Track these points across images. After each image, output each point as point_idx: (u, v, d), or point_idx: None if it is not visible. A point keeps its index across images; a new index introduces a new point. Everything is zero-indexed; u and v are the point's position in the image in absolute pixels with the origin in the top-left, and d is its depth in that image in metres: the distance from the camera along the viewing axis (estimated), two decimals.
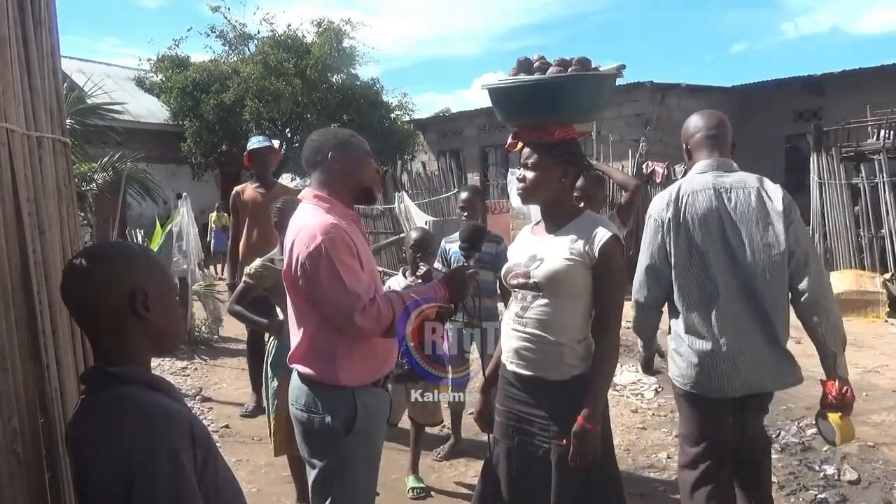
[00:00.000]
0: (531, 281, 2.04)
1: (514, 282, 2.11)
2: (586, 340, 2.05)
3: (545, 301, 2.02)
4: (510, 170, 9.90)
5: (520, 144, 2.17)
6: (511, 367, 2.11)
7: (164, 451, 1.08)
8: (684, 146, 2.44)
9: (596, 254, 1.98)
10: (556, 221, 2.11)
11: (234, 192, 4.89)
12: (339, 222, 1.91)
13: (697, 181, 2.29)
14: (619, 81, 2.23)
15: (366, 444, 2.00)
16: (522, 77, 2.08)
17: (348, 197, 2.05)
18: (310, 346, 1.98)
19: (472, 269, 2.09)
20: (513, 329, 2.10)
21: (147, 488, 1.05)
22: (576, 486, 1.98)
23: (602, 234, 1.99)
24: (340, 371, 1.94)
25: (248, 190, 4.79)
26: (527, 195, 2.12)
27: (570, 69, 2.04)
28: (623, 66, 2.11)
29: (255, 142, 4.83)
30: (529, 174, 2.08)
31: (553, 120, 2.07)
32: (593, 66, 2.08)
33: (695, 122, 2.41)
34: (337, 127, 2.21)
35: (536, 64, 2.08)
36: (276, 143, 4.97)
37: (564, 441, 1.96)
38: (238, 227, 4.79)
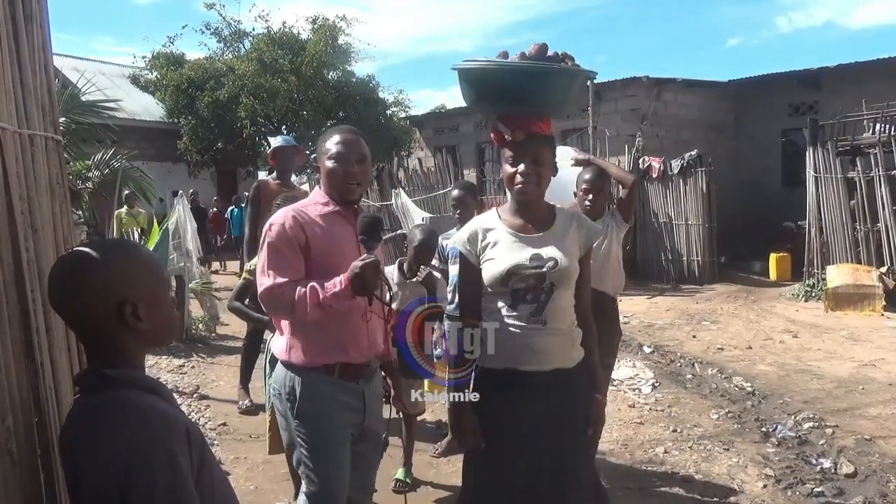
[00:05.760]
0: (547, 283, 1.98)
1: (522, 285, 1.98)
2: (576, 325, 2.11)
3: (555, 296, 2.01)
4: None
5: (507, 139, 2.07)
6: (525, 368, 1.99)
7: (163, 454, 1.07)
8: None
9: (589, 243, 2.09)
10: (543, 218, 2.07)
11: (256, 183, 5.11)
12: (301, 214, 2.09)
13: None
14: (614, 76, 2.23)
15: (311, 429, 2.07)
16: (497, 60, 1.93)
17: (334, 196, 2.17)
18: (276, 320, 2.20)
19: (371, 260, 1.97)
20: (531, 330, 1.99)
21: (145, 492, 1.04)
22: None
23: (590, 225, 2.11)
24: (290, 347, 2.10)
25: (271, 184, 4.93)
26: (536, 190, 2.01)
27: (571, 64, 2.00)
28: (595, 73, 2.09)
29: (281, 140, 5.11)
30: (540, 168, 1.99)
31: (531, 110, 1.97)
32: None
33: None
34: (334, 125, 2.23)
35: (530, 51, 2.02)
36: (275, 141, 5.21)
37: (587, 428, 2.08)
38: (258, 220, 4.82)
